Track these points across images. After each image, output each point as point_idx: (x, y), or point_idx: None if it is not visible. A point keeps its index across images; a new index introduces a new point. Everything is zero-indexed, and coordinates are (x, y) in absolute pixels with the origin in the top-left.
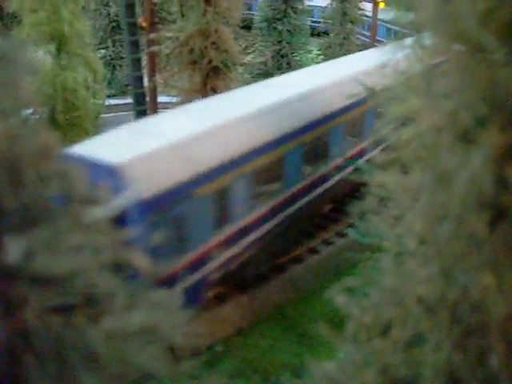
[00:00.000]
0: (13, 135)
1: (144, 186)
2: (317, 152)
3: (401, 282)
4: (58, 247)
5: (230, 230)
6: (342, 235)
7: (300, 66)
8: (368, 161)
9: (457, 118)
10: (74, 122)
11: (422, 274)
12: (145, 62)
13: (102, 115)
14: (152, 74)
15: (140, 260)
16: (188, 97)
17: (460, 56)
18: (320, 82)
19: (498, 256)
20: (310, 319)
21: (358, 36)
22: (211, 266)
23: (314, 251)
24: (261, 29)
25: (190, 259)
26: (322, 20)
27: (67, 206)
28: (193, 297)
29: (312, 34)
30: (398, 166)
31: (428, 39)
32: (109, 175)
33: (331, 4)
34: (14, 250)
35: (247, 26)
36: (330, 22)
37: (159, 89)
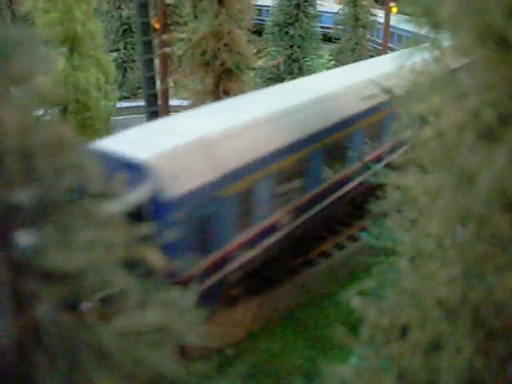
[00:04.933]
0: (27, 127)
1: (171, 184)
2: None
3: (420, 284)
4: (70, 243)
5: (252, 230)
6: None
7: (311, 70)
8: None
9: (480, 116)
10: (85, 122)
11: (442, 275)
12: (157, 64)
13: (114, 117)
14: (164, 76)
15: (155, 258)
16: (200, 99)
17: (485, 53)
18: None
19: None
20: (323, 323)
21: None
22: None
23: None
24: (272, 33)
25: (213, 260)
26: (328, 25)
27: (81, 201)
28: (211, 297)
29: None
30: (417, 167)
31: (446, 40)
32: (136, 172)
33: (343, 9)
34: (25, 245)
35: (258, 31)
36: (342, 27)
37: (170, 91)
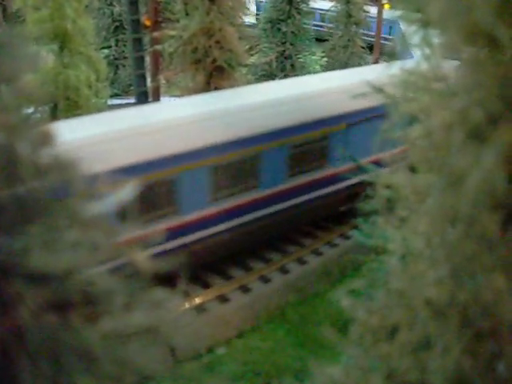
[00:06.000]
0: (10, 125)
1: None
2: None
3: (408, 284)
4: (54, 244)
5: None
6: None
7: (304, 67)
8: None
9: (468, 116)
10: None
11: (430, 275)
12: (148, 61)
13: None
14: (155, 73)
15: (140, 258)
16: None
17: (473, 51)
18: None
19: (510, 257)
20: (313, 322)
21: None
22: None
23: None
24: (265, 30)
25: None
26: (319, 23)
27: (65, 201)
28: None
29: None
30: (406, 167)
31: (436, 37)
32: None
33: (335, 6)
34: (9, 246)
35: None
36: (335, 24)
37: (162, 89)
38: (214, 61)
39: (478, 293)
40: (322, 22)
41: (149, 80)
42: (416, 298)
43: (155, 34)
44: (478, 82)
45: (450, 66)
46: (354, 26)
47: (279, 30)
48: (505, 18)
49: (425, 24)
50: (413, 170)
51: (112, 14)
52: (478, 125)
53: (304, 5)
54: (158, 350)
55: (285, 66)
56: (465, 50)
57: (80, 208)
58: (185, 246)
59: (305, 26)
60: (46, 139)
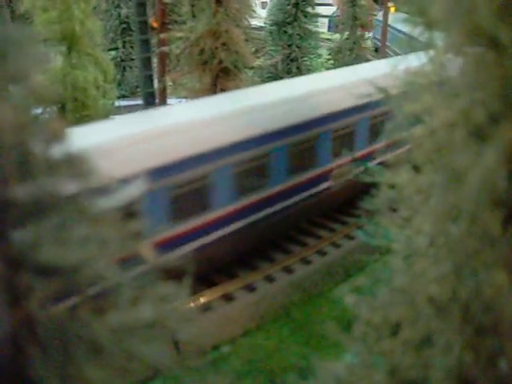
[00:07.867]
0: (22, 123)
1: None
2: None
3: (411, 281)
4: (64, 238)
5: None
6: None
7: (310, 70)
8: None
9: (470, 115)
10: (83, 121)
11: (433, 272)
12: (155, 63)
13: (112, 116)
14: (162, 75)
15: (148, 252)
16: (197, 98)
17: (475, 52)
18: None
19: (511, 254)
20: (318, 320)
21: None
22: None
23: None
24: (271, 32)
25: None
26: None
27: (75, 196)
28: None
29: None
30: (409, 166)
31: (440, 39)
32: None
33: (341, 8)
34: (20, 240)
35: None
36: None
37: (168, 90)
38: (221, 62)
39: (480, 289)
40: None
41: (156, 81)
42: (419, 295)
43: (162, 35)
44: (480, 82)
45: (452, 67)
46: (360, 29)
47: (285, 32)
48: (506, 20)
49: (428, 26)
50: (416, 169)
51: (119, 15)
52: (480, 124)
53: (310, 7)
54: (164, 343)
55: (291, 69)
56: (467, 50)
57: (90, 204)
58: None
59: (311, 28)
60: (57, 135)
